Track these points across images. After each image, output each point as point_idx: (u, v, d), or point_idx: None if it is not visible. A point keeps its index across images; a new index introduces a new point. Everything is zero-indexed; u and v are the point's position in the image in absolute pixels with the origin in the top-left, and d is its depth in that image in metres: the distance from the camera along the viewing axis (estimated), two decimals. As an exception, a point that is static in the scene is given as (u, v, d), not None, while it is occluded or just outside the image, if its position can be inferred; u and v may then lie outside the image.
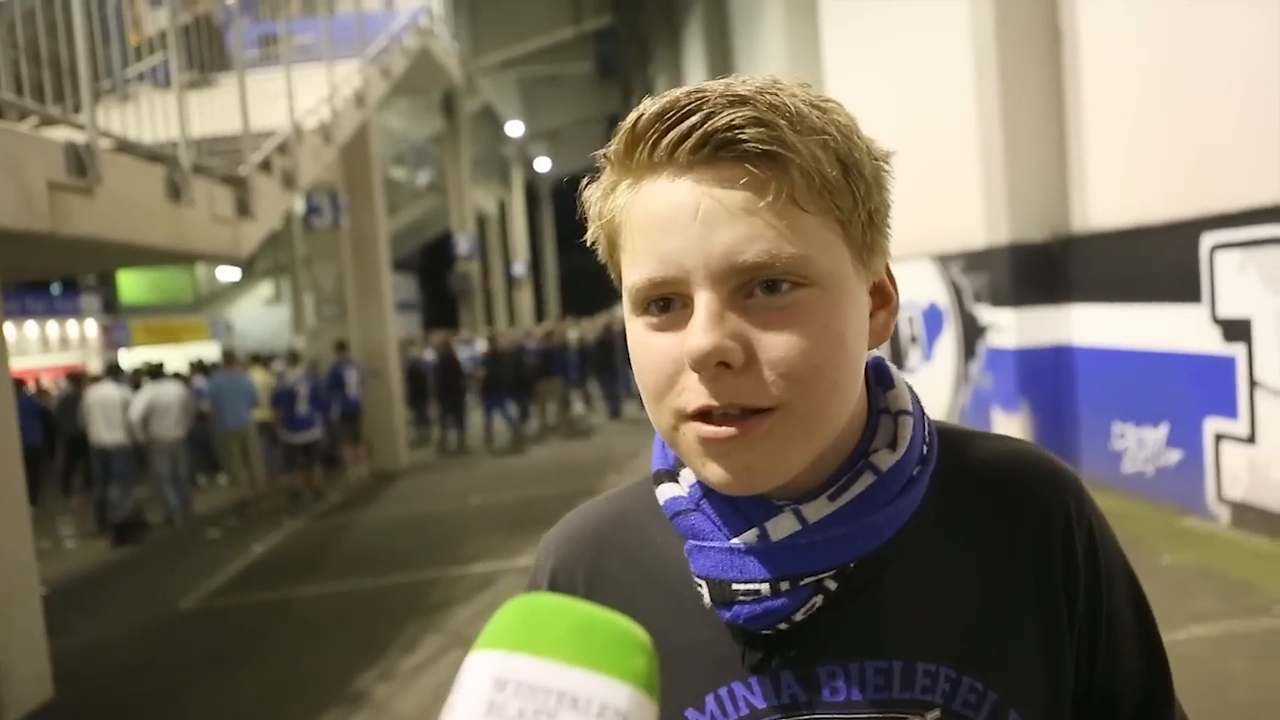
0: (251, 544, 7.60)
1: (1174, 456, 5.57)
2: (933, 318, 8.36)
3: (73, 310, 19.04)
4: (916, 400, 0.67)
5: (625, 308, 0.61)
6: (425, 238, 29.01)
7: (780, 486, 0.59)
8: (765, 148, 0.54)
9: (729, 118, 0.54)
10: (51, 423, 10.93)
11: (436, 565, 6.00)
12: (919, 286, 8.55)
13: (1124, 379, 6.05)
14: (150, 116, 4.65)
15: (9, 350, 4.70)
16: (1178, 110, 5.41)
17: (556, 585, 0.69)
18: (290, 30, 7.99)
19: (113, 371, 10.09)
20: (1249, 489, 4.98)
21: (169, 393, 8.72)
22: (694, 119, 0.55)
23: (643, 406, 0.62)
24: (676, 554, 0.64)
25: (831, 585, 0.59)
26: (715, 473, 0.57)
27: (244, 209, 5.46)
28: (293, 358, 10.75)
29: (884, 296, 0.63)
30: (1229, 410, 5.07)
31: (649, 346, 0.58)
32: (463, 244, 21.76)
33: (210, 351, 18.21)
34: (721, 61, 15.15)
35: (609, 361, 14.37)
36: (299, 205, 10.52)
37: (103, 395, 8.44)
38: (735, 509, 0.61)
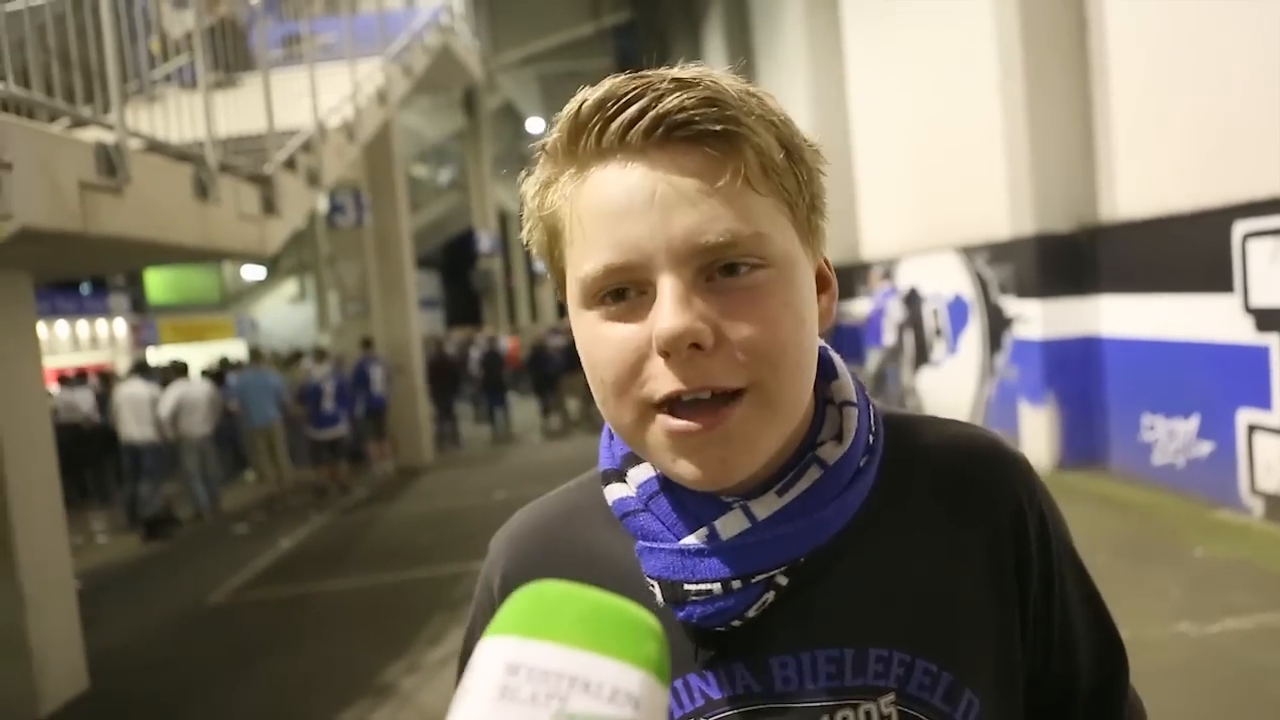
0: (279, 539, 7.69)
1: (1205, 448, 5.49)
2: (958, 310, 8.29)
3: (102, 310, 19.30)
4: (861, 389, 0.66)
5: (572, 302, 0.60)
6: (447, 235, 29.14)
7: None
8: (720, 127, 0.54)
9: (679, 100, 0.54)
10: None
11: (461, 560, 6.05)
12: (944, 278, 8.48)
13: (1154, 370, 5.97)
14: (177, 117, 4.70)
15: (41, 349, 4.78)
16: (1205, 97, 5.32)
17: (509, 587, 0.68)
18: (313, 30, 8.04)
19: (141, 369, 10.21)
20: (1283, 481, 4.89)
21: (197, 390, 8.84)
22: (642, 103, 0.54)
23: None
24: (627, 553, 0.63)
25: (783, 581, 0.59)
26: (687, 469, 0.56)
27: (269, 207, 5.51)
28: (319, 355, 10.85)
29: (824, 281, 0.63)
30: (1262, 401, 4.98)
31: (605, 338, 0.57)
32: (485, 241, 21.84)
33: (236, 350, 18.41)
34: (742, 57, 15.06)
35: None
36: (323, 204, 10.60)
37: (132, 393, 8.56)
38: (684, 508, 0.61)
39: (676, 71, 0.57)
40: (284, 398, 9.47)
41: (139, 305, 21.30)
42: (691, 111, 0.54)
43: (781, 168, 0.57)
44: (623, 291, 0.56)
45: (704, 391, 0.54)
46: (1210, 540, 4.83)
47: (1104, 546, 4.71)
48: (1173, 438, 5.79)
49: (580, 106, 0.56)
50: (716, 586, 0.58)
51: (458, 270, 28.59)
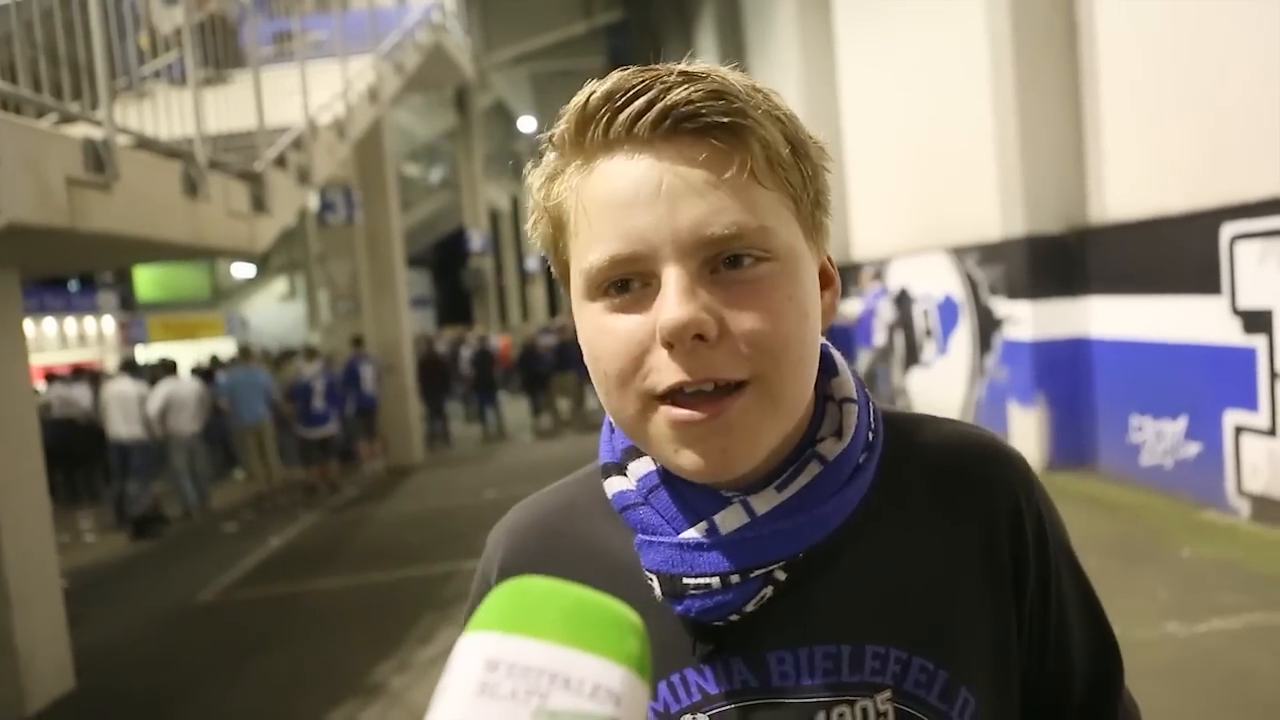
0: (268, 538, 7.66)
1: (1193, 449, 5.52)
2: (948, 311, 8.32)
3: (90, 307, 19.18)
4: (861, 386, 0.66)
5: (576, 294, 0.60)
6: (439, 234, 29.06)
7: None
8: (727, 119, 0.54)
9: (687, 92, 0.54)
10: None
11: (451, 559, 6.04)
12: (934, 279, 8.51)
13: (1142, 371, 6.00)
14: (167, 113, 4.67)
15: (28, 346, 4.75)
16: (1196, 101, 5.35)
17: (506, 579, 0.69)
18: (304, 27, 8.02)
19: (129, 367, 10.15)
20: (1270, 482, 4.93)
21: (186, 388, 8.79)
22: (649, 95, 0.55)
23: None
24: (626, 546, 0.63)
25: (781, 576, 0.59)
26: (689, 459, 0.56)
27: (259, 204, 5.48)
28: (309, 353, 10.81)
29: (827, 278, 0.64)
30: (1249, 402, 5.01)
31: (609, 329, 0.57)
32: (476, 240, 21.81)
33: (226, 348, 18.34)
34: (734, 56, 15.09)
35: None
36: (313, 201, 10.57)
37: (120, 391, 8.51)
38: (684, 502, 0.61)
39: (684, 66, 0.57)
40: (274, 396, 9.43)
41: (127, 303, 21.19)
42: (699, 104, 0.54)
43: (787, 162, 0.57)
44: (626, 283, 0.56)
45: (707, 383, 0.55)
46: (1198, 541, 4.86)
47: (1092, 547, 4.73)
48: (1161, 439, 5.82)
49: (588, 99, 0.56)
50: (715, 580, 0.58)
51: (449, 269, 28.53)
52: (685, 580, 0.59)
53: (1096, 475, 6.45)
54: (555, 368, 13.15)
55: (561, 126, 0.58)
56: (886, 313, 9.13)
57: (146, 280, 22.30)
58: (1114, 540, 4.96)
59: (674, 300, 0.53)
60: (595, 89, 0.57)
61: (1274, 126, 4.79)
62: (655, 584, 0.60)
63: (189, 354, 14.99)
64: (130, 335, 20.20)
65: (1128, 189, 6.12)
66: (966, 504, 0.65)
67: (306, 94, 6.59)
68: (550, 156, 0.60)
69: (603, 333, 0.57)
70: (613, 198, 0.56)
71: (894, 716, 0.60)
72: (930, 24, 8.37)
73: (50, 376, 12.25)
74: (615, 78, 0.57)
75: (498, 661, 0.36)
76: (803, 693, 0.60)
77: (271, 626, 5.27)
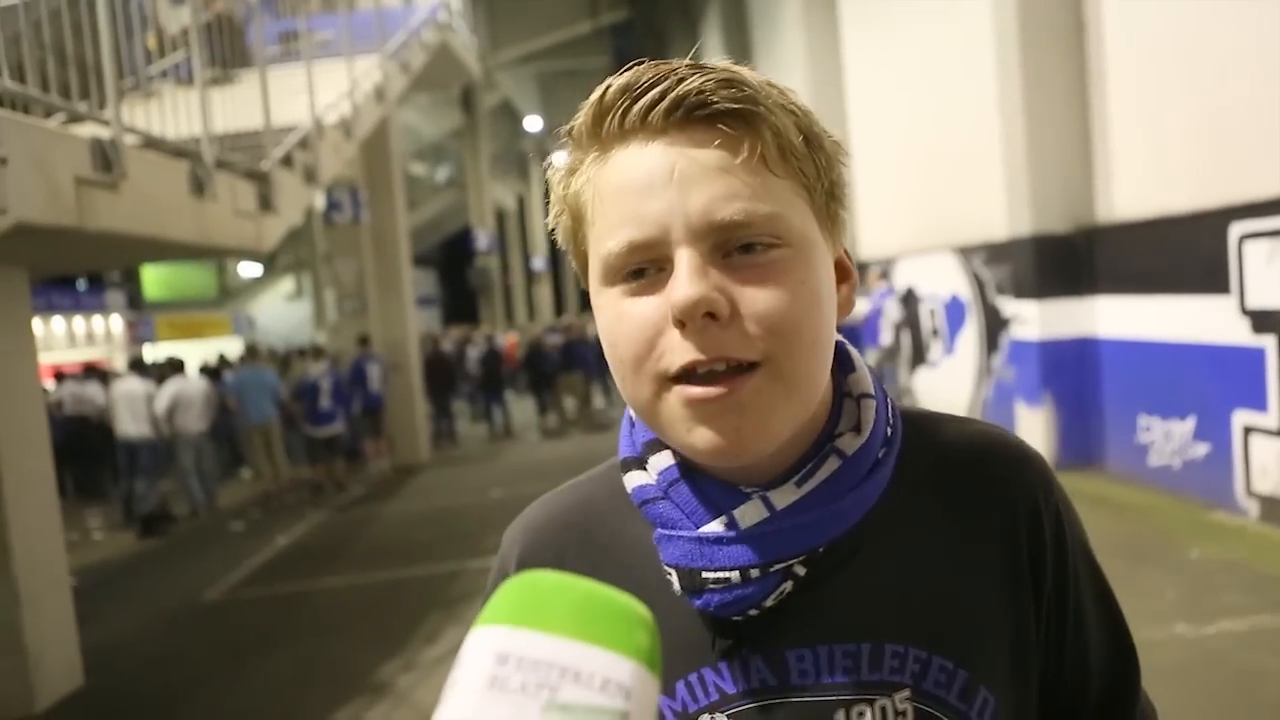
0: (275, 536, 7.67)
1: (1201, 450, 5.50)
2: (955, 310, 8.29)
3: (98, 306, 19.26)
4: (878, 383, 0.67)
5: (594, 282, 0.61)
6: (445, 233, 29.14)
7: (746, 472, 0.60)
8: (738, 106, 0.55)
9: (699, 81, 0.56)
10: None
11: (457, 558, 6.03)
12: (941, 279, 8.49)
13: (1150, 371, 5.98)
14: (174, 113, 4.69)
15: (37, 345, 4.77)
16: (1203, 99, 5.33)
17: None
18: (310, 26, 8.03)
19: (137, 366, 10.19)
20: (1279, 482, 4.90)
21: (193, 387, 8.82)
22: (663, 85, 0.56)
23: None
24: (645, 542, 0.63)
25: (800, 571, 0.59)
26: (704, 437, 0.56)
27: (266, 204, 5.49)
28: (316, 352, 10.83)
29: (845, 271, 0.64)
30: (1258, 403, 4.99)
31: (625, 313, 0.58)
32: (482, 239, 21.84)
33: (233, 347, 18.39)
34: (739, 55, 14.96)
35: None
36: (320, 201, 10.59)
37: (127, 389, 8.54)
38: (703, 497, 0.61)
39: (698, 62, 0.58)
40: (281, 395, 9.46)
41: (135, 302, 21.28)
42: (710, 92, 0.56)
43: (800, 152, 0.58)
44: (642, 271, 0.57)
45: (719, 363, 0.55)
46: (1206, 542, 4.84)
47: (1100, 548, 4.58)
48: (1169, 439, 5.80)
49: (605, 92, 0.58)
50: (735, 575, 0.58)
51: (455, 268, 28.60)
52: (704, 574, 0.59)
53: (1104, 475, 6.42)
54: (561, 367, 13.16)
55: (579, 120, 0.60)
56: (893, 312, 9.11)
57: (154, 279, 22.37)
58: (1122, 541, 4.94)
59: (685, 279, 0.54)
60: (612, 83, 0.58)
61: (1283, 125, 4.76)
62: (674, 578, 0.60)
63: (196, 353, 15.04)
64: (138, 334, 20.28)
65: (1135, 188, 6.09)
66: (986, 503, 0.65)
67: (313, 93, 6.60)
68: (569, 150, 0.61)
69: (620, 318, 0.58)
70: (627, 185, 0.57)
71: (913, 715, 0.60)
72: (936, 23, 8.34)
73: (60, 375, 12.29)
74: (631, 71, 0.58)
75: (507, 655, 0.36)
76: (822, 691, 0.60)
77: (278, 625, 5.29)
